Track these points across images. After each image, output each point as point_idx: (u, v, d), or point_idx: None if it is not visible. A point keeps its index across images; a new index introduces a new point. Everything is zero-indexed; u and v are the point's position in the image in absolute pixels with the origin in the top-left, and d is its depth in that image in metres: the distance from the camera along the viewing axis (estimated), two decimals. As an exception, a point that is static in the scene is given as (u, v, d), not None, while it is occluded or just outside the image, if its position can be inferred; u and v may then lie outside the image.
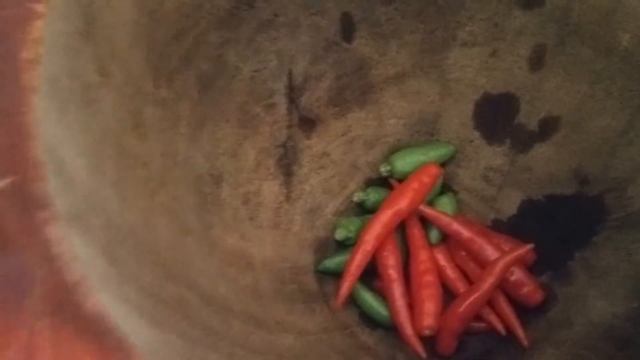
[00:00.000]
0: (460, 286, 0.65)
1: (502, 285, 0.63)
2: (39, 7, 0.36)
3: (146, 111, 0.50)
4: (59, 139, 0.37)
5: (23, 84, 0.34)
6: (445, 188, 0.71)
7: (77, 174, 0.38)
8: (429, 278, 0.63)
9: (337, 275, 0.66)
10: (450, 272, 0.66)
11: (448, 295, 0.65)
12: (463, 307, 0.61)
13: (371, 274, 0.65)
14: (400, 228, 0.66)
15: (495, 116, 0.68)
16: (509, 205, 0.69)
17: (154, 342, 0.38)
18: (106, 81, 0.44)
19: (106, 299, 0.33)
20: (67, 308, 0.30)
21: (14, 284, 0.30)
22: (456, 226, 0.64)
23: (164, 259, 0.47)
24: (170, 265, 0.47)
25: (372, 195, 0.68)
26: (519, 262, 0.62)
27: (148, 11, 0.48)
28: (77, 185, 0.37)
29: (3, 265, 0.31)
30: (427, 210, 0.65)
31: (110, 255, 0.38)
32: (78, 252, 0.33)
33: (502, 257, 0.61)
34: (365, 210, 0.70)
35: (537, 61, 0.63)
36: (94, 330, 0.30)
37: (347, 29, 0.63)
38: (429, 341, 0.62)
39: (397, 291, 0.63)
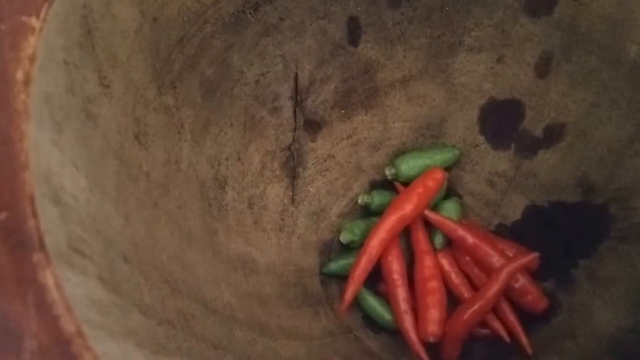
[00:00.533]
0: (464, 291, 0.62)
1: (507, 292, 0.60)
2: (34, 21, 0.31)
3: (148, 119, 0.46)
4: (55, 163, 0.32)
5: (16, 107, 0.29)
6: (450, 192, 0.67)
7: (77, 197, 0.34)
8: (434, 284, 0.60)
9: (341, 278, 0.63)
10: (455, 278, 0.62)
11: (452, 299, 0.62)
12: (468, 314, 0.58)
13: (375, 277, 0.62)
14: (405, 232, 0.64)
15: (501, 121, 0.64)
16: (513, 210, 0.65)
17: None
18: (107, 91, 0.40)
19: (105, 343, 0.29)
20: (63, 364, 0.26)
21: (5, 337, 0.25)
22: (461, 232, 0.61)
23: (169, 272, 0.44)
24: (174, 278, 0.44)
25: (377, 198, 0.65)
26: (523, 269, 0.59)
27: (150, 18, 0.44)
28: (76, 210, 0.33)
29: (-8, 316, 0.26)
30: (432, 216, 0.62)
31: (111, 282, 0.35)
32: (75, 291, 0.28)
33: (507, 265, 0.58)
34: (370, 213, 0.67)
35: (543, 68, 0.60)
36: (92, 387, 0.26)
37: (354, 32, 0.60)
38: (433, 346, 0.60)
39: (401, 296, 0.60)
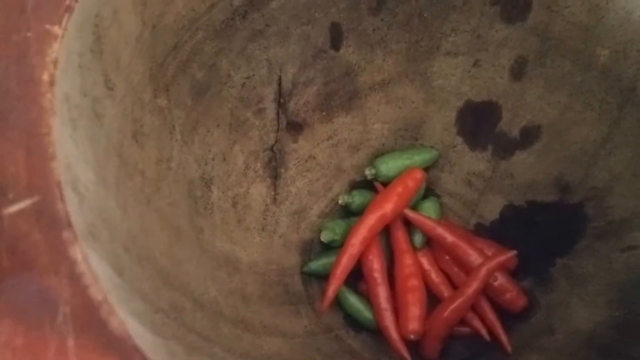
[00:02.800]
0: (444, 290, 0.67)
1: (486, 291, 0.65)
2: (57, 30, 0.38)
3: (144, 120, 0.52)
4: (72, 157, 0.38)
5: (43, 105, 0.36)
6: (429, 192, 0.73)
7: (88, 189, 0.40)
8: (414, 282, 0.65)
9: (321, 277, 0.68)
10: (434, 276, 0.67)
11: (432, 299, 0.67)
12: (448, 311, 0.63)
13: (356, 277, 0.67)
14: (385, 232, 0.68)
15: (478, 123, 0.70)
16: (491, 210, 0.71)
17: (160, 352, 0.40)
18: (111, 93, 0.46)
19: (123, 315, 0.35)
20: (93, 327, 0.32)
21: (41, 304, 0.32)
22: (440, 230, 0.66)
23: (161, 266, 0.49)
24: (166, 272, 0.49)
25: (357, 198, 0.70)
26: (502, 267, 0.64)
27: (150, 25, 0.50)
28: (88, 200, 0.39)
29: (30, 286, 0.32)
30: (412, 215, 0.67)
31: (118, 267, 0.40)
32: (96, 269, 0.35)
33: (486, 263, 0.63)
34: (350, 213, 0.72)
35: (518, 72, 0.66)
36: (119, 349, 0.32)
37: (336, 38, 0.66)
38: (413, 345, 0.64)
39: (382, 295, 0.64)
